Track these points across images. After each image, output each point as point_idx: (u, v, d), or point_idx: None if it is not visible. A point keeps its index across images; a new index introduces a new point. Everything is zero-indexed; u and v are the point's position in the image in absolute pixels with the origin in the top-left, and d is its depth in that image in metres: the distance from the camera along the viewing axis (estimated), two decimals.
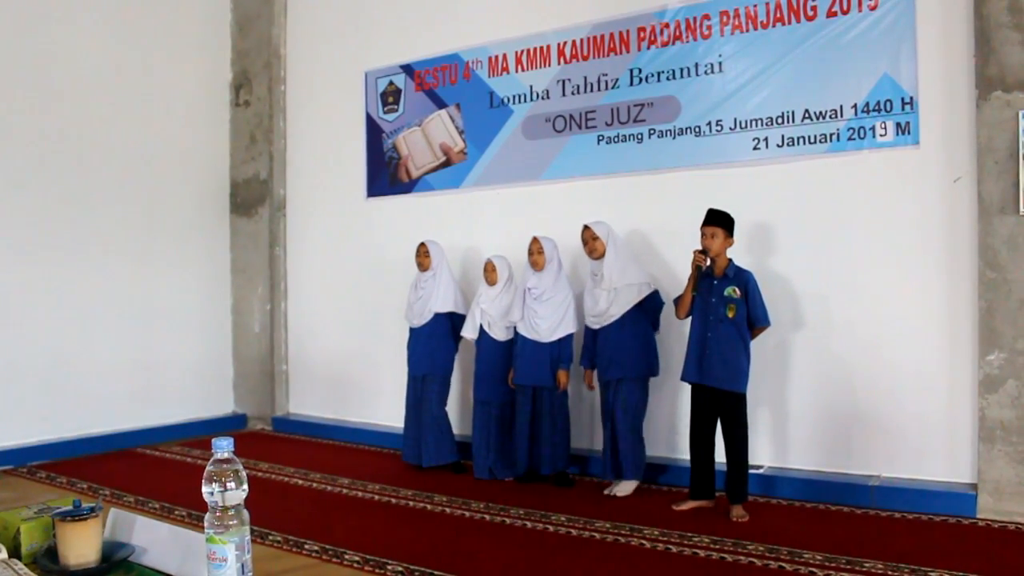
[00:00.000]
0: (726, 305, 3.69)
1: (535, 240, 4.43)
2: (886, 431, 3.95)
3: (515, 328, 4.47)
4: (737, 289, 3.70)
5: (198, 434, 5.80)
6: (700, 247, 3.73)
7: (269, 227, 6.24)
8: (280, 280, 6.28)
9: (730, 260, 3.79)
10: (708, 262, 3.70)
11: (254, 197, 6.26)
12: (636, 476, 4.13)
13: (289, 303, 6.31)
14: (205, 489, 1.26)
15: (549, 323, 4.35)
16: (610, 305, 4.12)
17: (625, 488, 4.11)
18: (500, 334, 4.55)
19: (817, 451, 4.13)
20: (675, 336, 4.28)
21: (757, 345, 3.84)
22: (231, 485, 1.26)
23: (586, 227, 4.20)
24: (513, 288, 4.58)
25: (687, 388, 3.96)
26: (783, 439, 4.22)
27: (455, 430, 4.82)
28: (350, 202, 5.95)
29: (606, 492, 4.14)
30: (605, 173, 4.76)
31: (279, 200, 6.28)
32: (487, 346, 4.58)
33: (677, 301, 3.92)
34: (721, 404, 3.73)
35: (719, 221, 3.74)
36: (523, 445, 4.36)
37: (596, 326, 4.20)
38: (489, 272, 4.56)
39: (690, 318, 3.85)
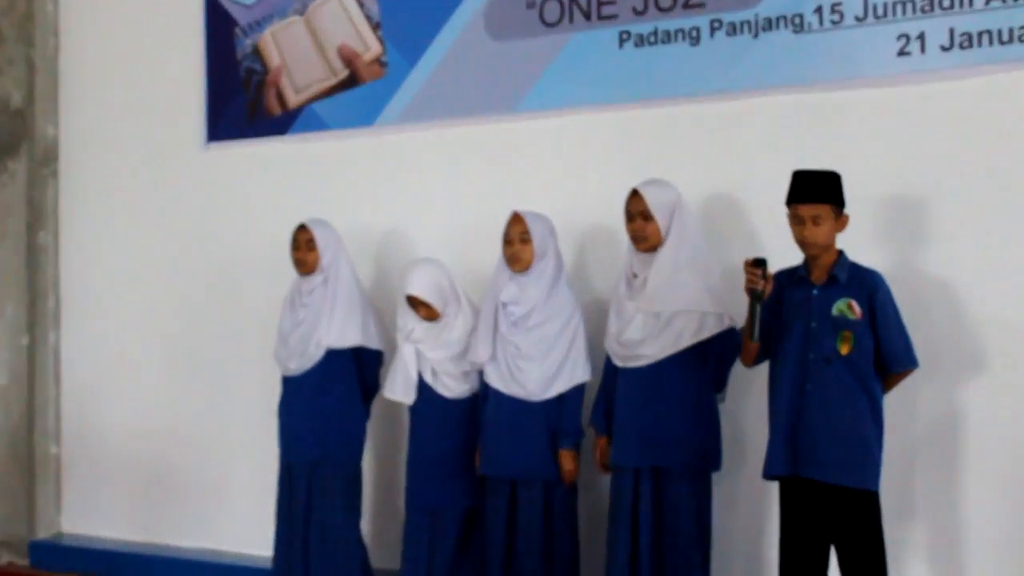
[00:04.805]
0: (837, 333, 2.85)
1: (516, 219, 3.39)
2: None
3: (481, 375, 3.49)
4: (855, 305, 2.89)
5: None
6: (754, 256, 2.83)
7: (27, 195, 4.63)
8: (46, 292, 4.75)
9: (841, 253, 2.95)
10: (770, 287, 2.83)
11: None
12: None
13: (63, 334, 4.81)
14: None
15: (542, 368, 3.34)
16: (646, 337, 3.07)
17: None
18: (453, 386, 3.56)
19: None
20: (752, 396, 3.31)
21: (904, 403, 2.94)
22: None
23: (634, 192, 3.14)
24: (470, 308, 3.59)
25: (773, 486, 3.05)
26: (948, 559, 3.19)
27: (373, 561, 3.76)
28: (175, 151, 4.52)
29: None
30: (632, 101, 3.59)
31: (47, 146, 4.70)
32: (430, 410, 3.60)
33: (738, 341, 3.14)
34: (836, 511, 2.90)
35: (822, 192, 2.88)
36: None
37: (621, 364, 3.16)
38: (418, 307, 3.56)
39: (769, 363, 2.99)
